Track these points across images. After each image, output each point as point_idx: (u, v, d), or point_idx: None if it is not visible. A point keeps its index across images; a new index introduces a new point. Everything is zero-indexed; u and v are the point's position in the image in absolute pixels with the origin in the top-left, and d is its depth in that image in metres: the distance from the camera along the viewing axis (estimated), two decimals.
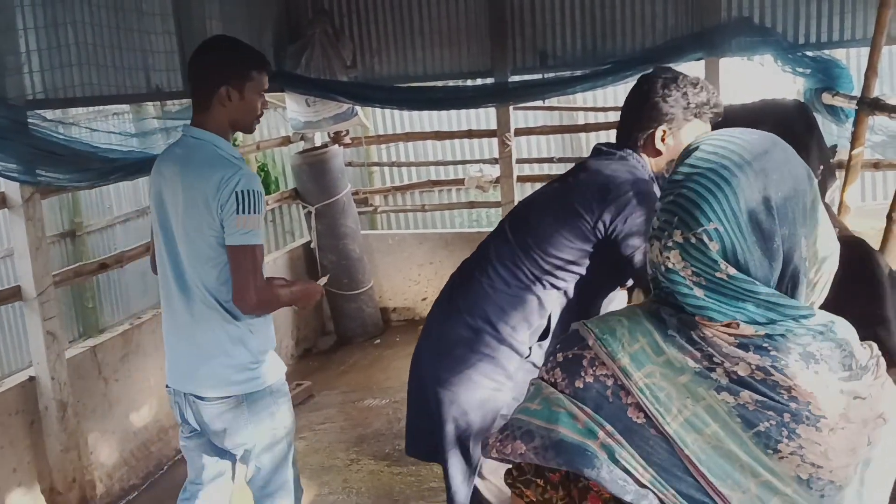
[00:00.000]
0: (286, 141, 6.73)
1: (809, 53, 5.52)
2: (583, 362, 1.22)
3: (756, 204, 1.18)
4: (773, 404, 1.14)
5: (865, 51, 5.42)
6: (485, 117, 7.03)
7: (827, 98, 5.34)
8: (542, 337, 2.44)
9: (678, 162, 1.27)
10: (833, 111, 5.49)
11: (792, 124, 4.71)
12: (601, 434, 1.16)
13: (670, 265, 1.21)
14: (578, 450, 1.16)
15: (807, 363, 1.16)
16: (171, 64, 4.77)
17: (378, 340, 6.56)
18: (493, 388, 2.44)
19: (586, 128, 6.43)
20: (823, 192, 4.69)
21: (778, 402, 1.14)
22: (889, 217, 3.35)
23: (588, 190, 2.41)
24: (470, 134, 6.79)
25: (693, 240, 1.18)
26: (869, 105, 4.30)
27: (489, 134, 6.45)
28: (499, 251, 2.51)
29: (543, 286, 2.42)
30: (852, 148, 4.52)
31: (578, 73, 5.83)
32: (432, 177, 7.26)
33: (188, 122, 2.81)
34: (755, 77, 6.62)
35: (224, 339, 2.72)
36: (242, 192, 2.55)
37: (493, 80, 6.06)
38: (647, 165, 2.43)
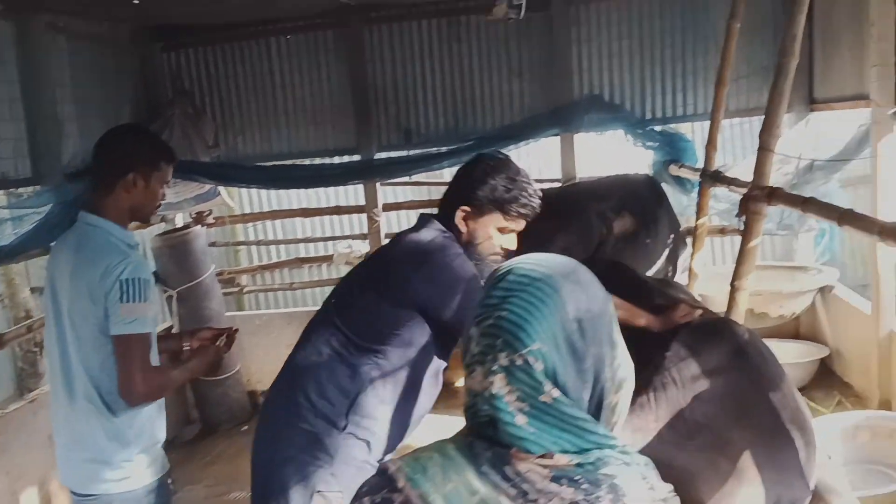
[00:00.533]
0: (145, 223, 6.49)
1: (657, 128, 5.91)
2: None
3: (570, 324, 1.20)
4: None
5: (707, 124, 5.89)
6: (353, 193, 7.03)
7: (674, 170, 5.69)
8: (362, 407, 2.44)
9: (489, 285, 1.28)
10: (680, 182, 5.86)
11: (643, 196, 5.02)
12: None
13: (495, 390, 1.18)
14: None
15: (616, 495, 1.15)
16: (20, 151, 4.53)
17: (246, 427, 6.28)
18: (311, 464, 2.39)
19: None
20: (675, 260, 4.97)
21: None
22: (732, 286, 3.53)
23: (401, 260, 2.46)
24: (338, 210, 6.78)
25: (519, 361, 1.17)
26: (711, 177, 4.60)
27: (357, 210, 6.47)
28: (321, 327, 2.53)
29: (361, 357, 2.42)
30: (697, 217, 4.81)
31: (443, 149, 5.99)
32: (301, 254, 7.17)
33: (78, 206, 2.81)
34: (609, 151, 6.99)
35: (99, 434, 2.61)
36: (127, 280, 2.51)
37: (359, 157, 6.13)
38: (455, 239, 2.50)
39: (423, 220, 2.56)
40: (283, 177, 6.15)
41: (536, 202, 2.44)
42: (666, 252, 4.70)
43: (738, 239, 5.53)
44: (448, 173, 7.74)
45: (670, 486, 1.25)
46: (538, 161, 7.91)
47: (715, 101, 4.69)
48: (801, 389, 5.20)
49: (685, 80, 5.88)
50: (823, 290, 5.67)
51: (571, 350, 1.19)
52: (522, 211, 2.42)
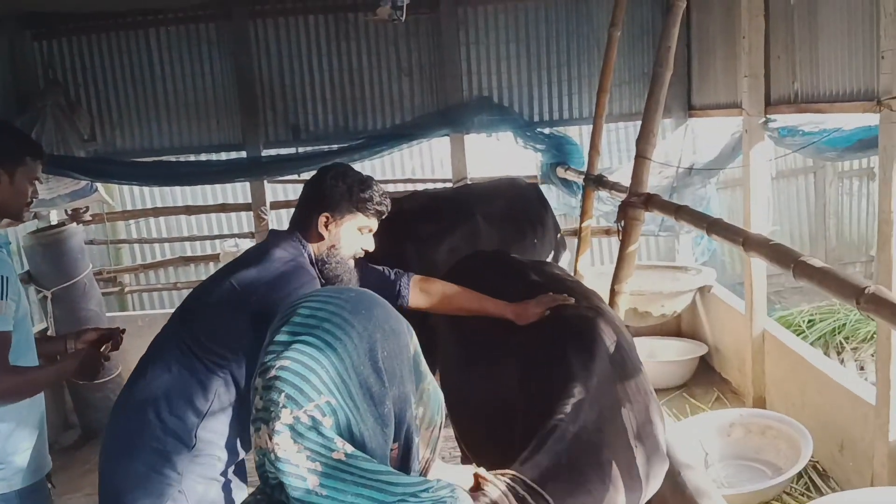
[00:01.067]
0: None
1: (545, 131, 5.99)
2: None
3: (364, 367, 1.12)
4: None
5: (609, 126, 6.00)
6: (240, 190, 6.84)
7: (560, 172, 5.78)
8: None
9: (273, 327, 1.18)
10: (567, 184, 5.97)
11: (530, 200, 5.08)
12: None
13: (280, 453, 1.06)
14: None
15: None
16: None
17: None
18: (160, 481, 2.32)
19: None
20: (557, 261, 5.04)
21: None
22: (612, 289, 3.61)
23: (248, 272, 2.45)
24: (224, 208, 6.58)
25: (304, 418, 1.07)
26: (594, 181, 4.69)
27: (244, 207, 6.30)
28: (170, 338, 2.46)
29: (209, 370, 2.37)
30: (582, 220, 4.91)
31: (332, 147, 5.91)
32: (186, 252, 6.93)
33: None
34: (499, 152, 7.05)
35: None
36: None
37: (245, 153, 5.97)
38: (309, 249, 2.54)
39: (275, 237, 2.58)
40: (164, 173, 5.92)
41: (388, 200, 2.57)
42: (551, 254, 4.76)
43: (604, 241, 5.66)
44: None
45: None
46: (429, 161, 7.93)
47: (597, 106, 4.79)
48: (682, 386, 5.43)
49: (571, 85, 5.98)
50: (702, 290, 5.88)
51: (367, 397, 1.11)
52: (379, 208, 2.53)
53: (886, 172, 2.98)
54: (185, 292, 7.59)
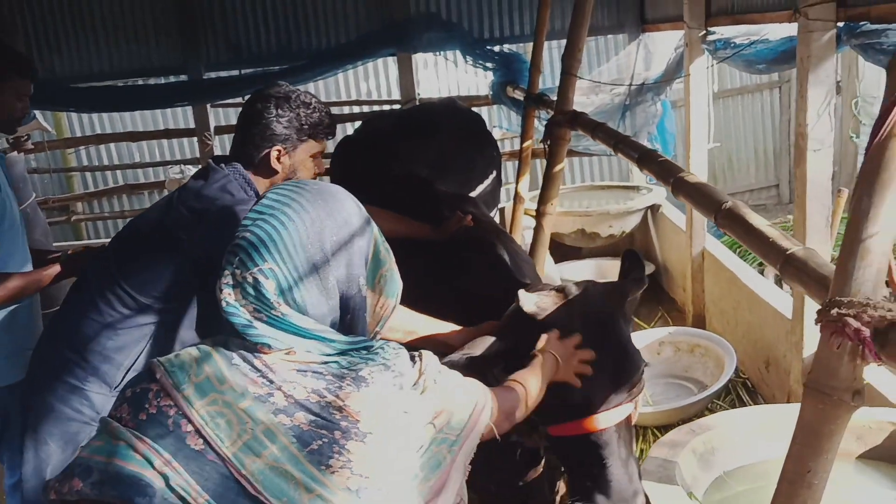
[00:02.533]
0: None
1: (494, 48, 5.82)
2: (149, 395, 1.27)
3: (312, 246, 1.31)
4: (326, 423, 1.24)
5: (556, 44, 5.83)
6: (183, 116, 6.70)
7: (510, 91, 5.65)
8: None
9: (252, 206, 1.39)
10: (518, 104, 5.82)
11: (473, 123, 4.98)
12: (158, 462, 1.20)
13: (231, 301, 1.29)
14: (133, 480, 1.20)
15: (358, 386, 1.27)
16: None
17: None
18: (77, 420, 2.28)
19: None
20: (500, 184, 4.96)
21: (330, 422, 1.24)
22: (538, 211, 3.56)
23: (183, 215, 2.30)
24: (167, 134, 6.44)
25: (249, 279, 1.28)
26: (534, 101, 4.57)
27: (188, 133, 6.17)
28: (99, 276, 2.35)
29: (142, 314, 2.29)
30: (522, 141, 4.80)
31: (275, 68, 5.74)
32: (130, 180, 6.83)
33: None
34: (449, 72, 6.89)
35: None
36: None
37: (185, 77, 5.80)
38: (254, 184, 2.36)
39: (214, 168, 2.37)
40: (103, 99, 5.77)
41: (332, 117, 2.46)
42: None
43: (567, 161, 5.60)
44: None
45: (423, 371, 1.35)
46: (384, 82, 7.76)
47: (538, 22, 4.63)
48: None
49: (521, 0, 5.78)
50: (653, 209, 5.84)
51: (312, 271, 1.30)
52: (328, 130, 2.41)
53: (803, 84, 2.89)
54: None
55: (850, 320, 1.10)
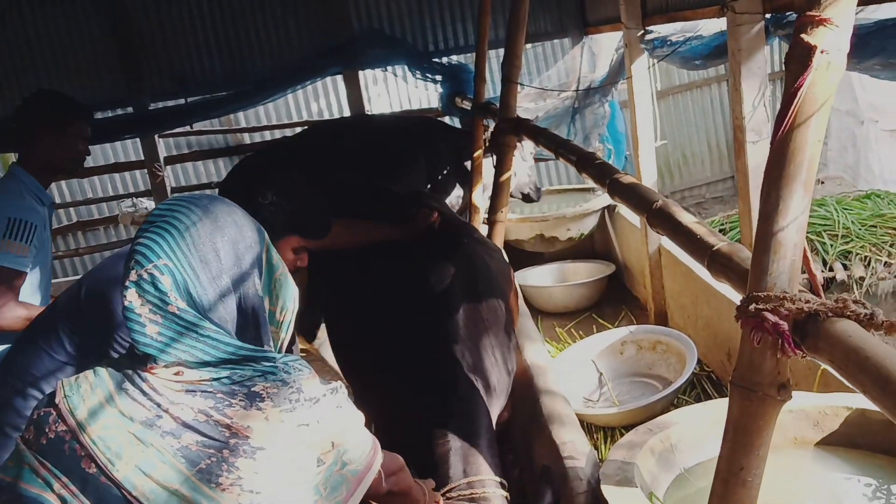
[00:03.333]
0: None
1: (443, 61, 5.83)
2: (49, 419, 1.33)
3: (204, 245, 1.34)
4: (213, 443, 1.27)
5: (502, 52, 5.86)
6: (133, 148, 6.62)
7: (458, 102, 5.65)
8: None
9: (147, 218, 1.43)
10: (467, 114, 5.83)
11: (432, 129, 5.01)
12: (56, 485, 1.27)
13: (127, 303, 1.31)
14: (34, 502, 1.27)
15: (250, 401, 1.30)
16: None
17: None
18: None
19: (239, 149, 6.29)
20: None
21: (218, 440, 1.27)
22: (489, 220, 3.56)
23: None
24: (117, 167, 6.34)
25: (146, 275, 1.31)
26: (481, 110, 4.58)
27: (138, 165, 6.09)
28: (52, 322, 2.32)
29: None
30: (473, 150, 4.79)
31: (221, 94, 5.70)
32: (84, 216, 6.72)
33: None
34: (399, 87, 6.89)
35: None
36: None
37: (131, 109, 5.74)
38: None
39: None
40: None
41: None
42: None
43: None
44: (242, 117, 7.48)
45: (333, 386, 1.38)
46: (335, 101, 7.72)
47: (479, 31, 4.63)
48: (594, 307, 5.44)
49: (464, 11, 5.81)
50: (609, 209, 5.86)
51: (205, 269, 1.33)
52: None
53: (736, 77, 2.91)
54: (88, 258, 7.41)
55: (768, 315, 1.10)
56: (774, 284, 1.11)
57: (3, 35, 5.54)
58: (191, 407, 1.29)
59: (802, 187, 1.10)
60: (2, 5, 5.50)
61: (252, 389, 1.31)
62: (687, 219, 1.59)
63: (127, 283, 1.34)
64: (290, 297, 1.48)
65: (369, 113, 5.33)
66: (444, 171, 4.78)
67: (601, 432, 3.71)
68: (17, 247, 2.78)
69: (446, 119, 6.31)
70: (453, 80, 5.77)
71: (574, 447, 2.47)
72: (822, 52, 1.02)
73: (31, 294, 2.92)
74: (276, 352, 1.44)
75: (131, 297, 1.32)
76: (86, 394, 1.33)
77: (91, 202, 6.77)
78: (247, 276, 1.39)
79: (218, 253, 1.36)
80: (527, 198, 5.08)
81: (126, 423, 1.29)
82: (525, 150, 4.86)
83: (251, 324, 1.39)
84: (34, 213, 2.87)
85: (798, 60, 1.05)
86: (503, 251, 3.91)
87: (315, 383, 1.36)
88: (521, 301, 3.29)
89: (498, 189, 3.66)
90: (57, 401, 1.34)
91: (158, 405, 1.30)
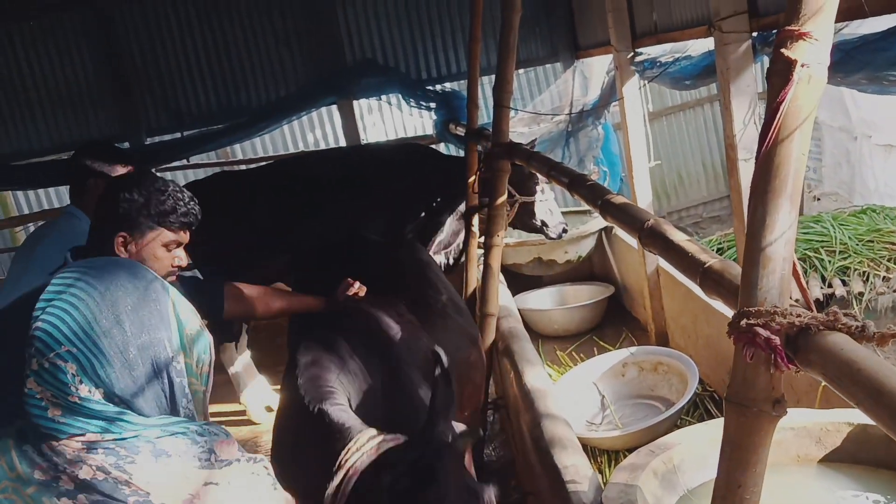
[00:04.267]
0: None
1: (435, 88, 5.87)
2: None
3: (106, 320, 1.33)
4: (110, 500, 1.27)
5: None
6: None
7: (453, 128, 5.68)
8: None
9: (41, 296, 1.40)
10: (462, 140, 5.86)
11: (430, 157, 5.03)
12: None
13: (26, 389, 1.31)
14: None
15: (156, 458, 1.30)
16: None
17: None
18: None
19: None
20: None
21: (115, 498, 1.27)
22: (485, 245, 3.58)
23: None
24: None
25: (47, 364, 1.30)
26: (475, 136, 4.59)
27: None
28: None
29: None
30: (469, 177, 4.80)
31: (217, 127, 5.74)
32: None
33: None
34: (394, 115, 6.93)
35: None
36: None
37: (127, 144, 5.77)
38: None
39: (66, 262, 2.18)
40: (46, 174, 5.71)
41: (196, 207, 2.26)
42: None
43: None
44: (239, 150, 7.52)
45: (254, 456, 1.39)
46: (331, 130, 7.76)
47: (470, 57, 4.66)
48: (594, 329, 5.42)
49: (455, 38, 5.86)
50: (607, 231, 5.87)
51: (112, 344, 1.32)
52: (185, 220, 2.23)
53: (726, 96, 2.93)
54: None
55: (760, 330, 1.09)
56: (765, 299, 1.11)
57: (2, 70, 5.59)
58: (89, 465, 1.29)
59: (789, 201, 1.09)
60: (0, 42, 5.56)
61: (158, 446, 1.31)
62: (678, 237, 1.59)
63: (28, 372, 1.32)
64: (206, 349, 1.49)
65: (362, 143, 5.35)
66: (437, 199, 4.78)
67: (605, 456, 3.68)
68: None
69: (441, 145, 6.33)
70: (447, 107, 5.80)
71: (576, 471, 2.45)
72: (802, 65, 1.03)
73: None
74: (194, 403, 1.45)
75: (31, 385, 1.32)
76: None
77: None
78: (157, 339, 1.38)
79: (122, 324, 1.34)
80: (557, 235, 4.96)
81: (24, 485, 1.30)
82: (547, 191, 4.85)
83: (168, 380, 1.39)
84: None
85: (779, 75, 1.05)
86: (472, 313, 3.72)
87: (232, 448, 1.36)
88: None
89: (493, 213, 3.66)
90: None
91: (56, 466, 1.30)
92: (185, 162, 6.04)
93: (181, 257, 2.23)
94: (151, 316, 1.39)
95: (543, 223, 4.80)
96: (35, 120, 5.71)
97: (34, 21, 5.56)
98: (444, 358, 1.83)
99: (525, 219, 4.83)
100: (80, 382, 1.29)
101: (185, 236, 2.25)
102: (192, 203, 2.25)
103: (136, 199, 2.14)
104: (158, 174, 5.40)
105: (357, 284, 2.61)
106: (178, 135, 5.79)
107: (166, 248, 2.18)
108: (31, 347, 1.33)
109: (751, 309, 1.10)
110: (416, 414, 2.03)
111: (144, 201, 2.15)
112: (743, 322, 1.10)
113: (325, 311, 2.61)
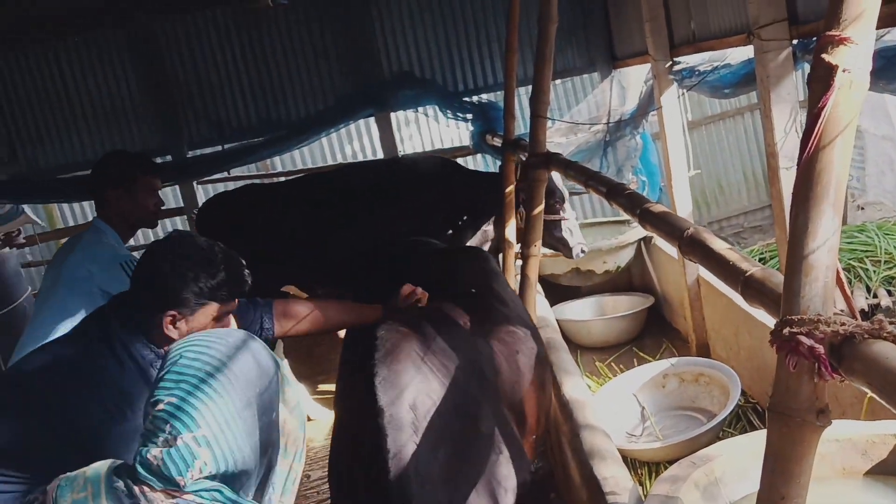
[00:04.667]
0: None
1: (472, 99, 5.89)
2: None
3: (241, 404, 1.34)
4: None
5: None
6: (172, 195, 6.75)
7: (489, 139, 5.69)
8: None
9: (163, 366, 1.42)
10: (498, 151, 5.86)
11: (458, 172, 5.04)
12: None
13: (151, 457, 1.33)
14: None
15: None
16: None
17: None
18: None
19: None
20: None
21: None
22: (522, 254, 3.59)
23: None
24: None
25: (181, 443, 1.31)
26: (511, 146, 4.59)
27: (177, 213, 6.21)
28: None
29: None
30: (505, 188, 4.80)
31: (257, 140, 5.82)
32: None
33: None
34: (431, 127, 6.96)
35: None
36: None
37: (170, 157, 5.87)
38: (143, 352, 2.01)
39: (119, 343, 2.04)
40: (87, 187, 5.82)
41: (246, 271, 2.13)
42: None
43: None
44: (279, 161, 7.60)
45: None
46: (368, 143, 7.83)
47: (506, 68, 4.67)
48: (633, 340, 5.38)
49: (491, 49, 5.87)
50: (646, 241, 5.82)
51: (243, 428, 1.34)
52: (238, 290, 2.10)
53: (766, 104, 2.90)
54: None
55: (803, 338, 1.07)
56: (808, 307, 1.09)
57: (43, 88, 5.74)
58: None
59: (832, 208, 1.08)
60: (40, 60, 5.70)
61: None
62: (719, 245, 1.57)
63: (157, 441, 1.33)
64: (301, 426, 1.51)
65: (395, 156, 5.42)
66: (462, 214, 4.79)
67: (645, 468, 3.64)
68: None
69: (478, 157, 6.35)
70: (483, 119, 5.82)
71: (616, 483, 2.43)
72: (843, 70, 1.02)
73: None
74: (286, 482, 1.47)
75: (154, 456, 1.33)
76: (77, 486, 1.36)
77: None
78: (273, 421, 1.42)
79: (252, 408, 1.38)
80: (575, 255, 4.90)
81: None
82: (569, 209, 4.83)
83: (264, 467, 1.43)
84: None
85: (820, 80, 1.04)
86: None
87: None
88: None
89: (530, 223, 3.66)
90: (48, 487, 1.38)
91: None
92: (225, 174, 6.11)
93: (231, 324, 2.09)
94: (272, 397, 1.42)
95: (563, 242, 4.74)
96: (80, 133, 5.84)
97: (78, 37, 5.70)
98: None
99: (545, 236, 4.80)
100: (203, 465, 1.31)
101: (235, 304, 2.12)
102: (242, 268, 2.12)
103: (183, 273, 1.99)
104: (198, 184, 5.49)
105: (419, 290, 2.46)
106: (218, 147, 5.88)
107: (218, 321, 2.04)
108: (165, 423, 1.33)
109: (793, 317, 1.09)
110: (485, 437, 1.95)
111: (193, 276, 2.00)
112: (786, 330, 1.09)
113: (384, 321, 2.35)
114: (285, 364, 1.62)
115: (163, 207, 3.31)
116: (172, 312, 1.99)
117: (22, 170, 5.85)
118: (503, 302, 2.61)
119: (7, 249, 6.04)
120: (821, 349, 1.07)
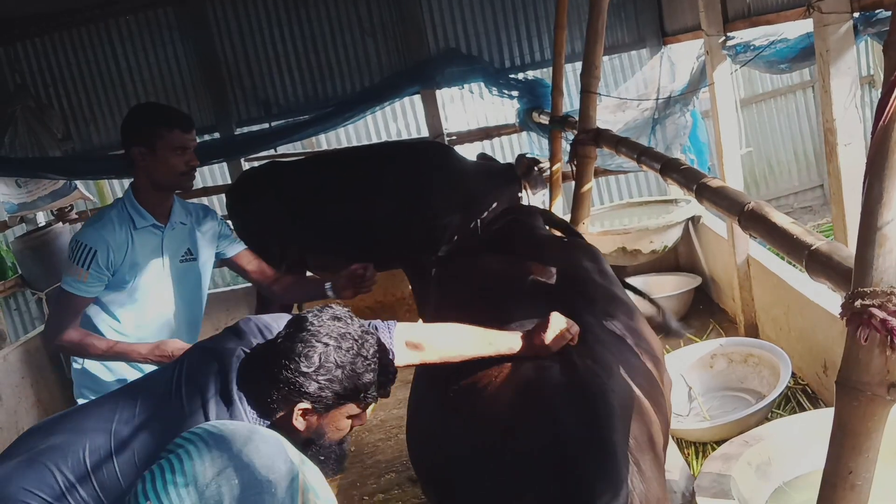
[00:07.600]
0: (3, 226, 6.20)
1: (518, 76, 5.85)
2: None
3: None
4: None
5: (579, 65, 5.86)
6: (220, 172, 6.84)
7: (535, 117, 5.65)
8: None
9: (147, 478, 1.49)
10: (545, 128, 5.82)
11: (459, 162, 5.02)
12: None
13: None
14: None
15: None
16: None
17: None
18: None
19: None
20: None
21: None
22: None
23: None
24: (206, 191, 6.58)
25: None
26: (559, 123, 4.57)
27: (225, 190, 6.28)
28: None
29: None
30: (552, 164, 4.78)
31: (304, 118, 5.85)
32: None
33: None
34: (476, 104, 6.92)
35: None
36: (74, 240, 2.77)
37: (218, 134, 5.94)
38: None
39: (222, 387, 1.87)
40: None
41: (394, 369, 1.91)
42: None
43: (602, 180, 5.52)
44: (324, 140, 7.64)
45: None
46: (413, 121, 7.82)
47: (555, 45, 4.64)
48: (680, 320, 5.31)
49: (539, 26, 5.82)
50: (693, 221, 5.74)
51: None
52: (381, 392, 1.88)
53: (825, 79, 2.83)
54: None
55: (875, 311, 1.06)
56: (881, 280, 1.07)
57: (95, 67, 5.84)
58: None
59: None
60: (93, 39, 5.79)
61: None
62: (782, 219, 1.55)
63: None
64: None
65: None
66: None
67: (692, 447, 3.62)
68: (77, 271, 2.66)
69: (523, 134, 6.31)
70: (530, 95, 5.77)
71: (667, 460, 2.42)
72: None
73: (132, 325, 2.82)
74: None
75: None
76: None
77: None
78: None
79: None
80: None
81: None
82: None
83: None
84: (100, 239, 2.66)
85: (895, 46, 1.02)
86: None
87: None
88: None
89: (578, 201, 3.64)
90: None
91: None
92: (272, 152, 6.16)
93: (362, 418, 1.91)
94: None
95: None
96: None
97: (129, 16, 5.77)
98: None
99: None
100: None
101: (373, 405, 1.93)
102: (392, 366, 1.91)
103: (328, 370, 1.76)
104: (245, 162, 5.56)
105: (573, 329, 2.02)
106: (266, 125, 5.93)
107: (350, 419, 1.88)
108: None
109: (865, 290, 1.07)
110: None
111: (346, 376, 1.78)
112: (857, 303, 1.07)
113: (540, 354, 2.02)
114: (310, 468, 1.52)
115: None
116: (305, 407, 1.80)
117: (75, 147, 5.96)
118: (625, 312, 2.34)
119: (60, 224, 6.19)
120: (894, 322, 1.05)
